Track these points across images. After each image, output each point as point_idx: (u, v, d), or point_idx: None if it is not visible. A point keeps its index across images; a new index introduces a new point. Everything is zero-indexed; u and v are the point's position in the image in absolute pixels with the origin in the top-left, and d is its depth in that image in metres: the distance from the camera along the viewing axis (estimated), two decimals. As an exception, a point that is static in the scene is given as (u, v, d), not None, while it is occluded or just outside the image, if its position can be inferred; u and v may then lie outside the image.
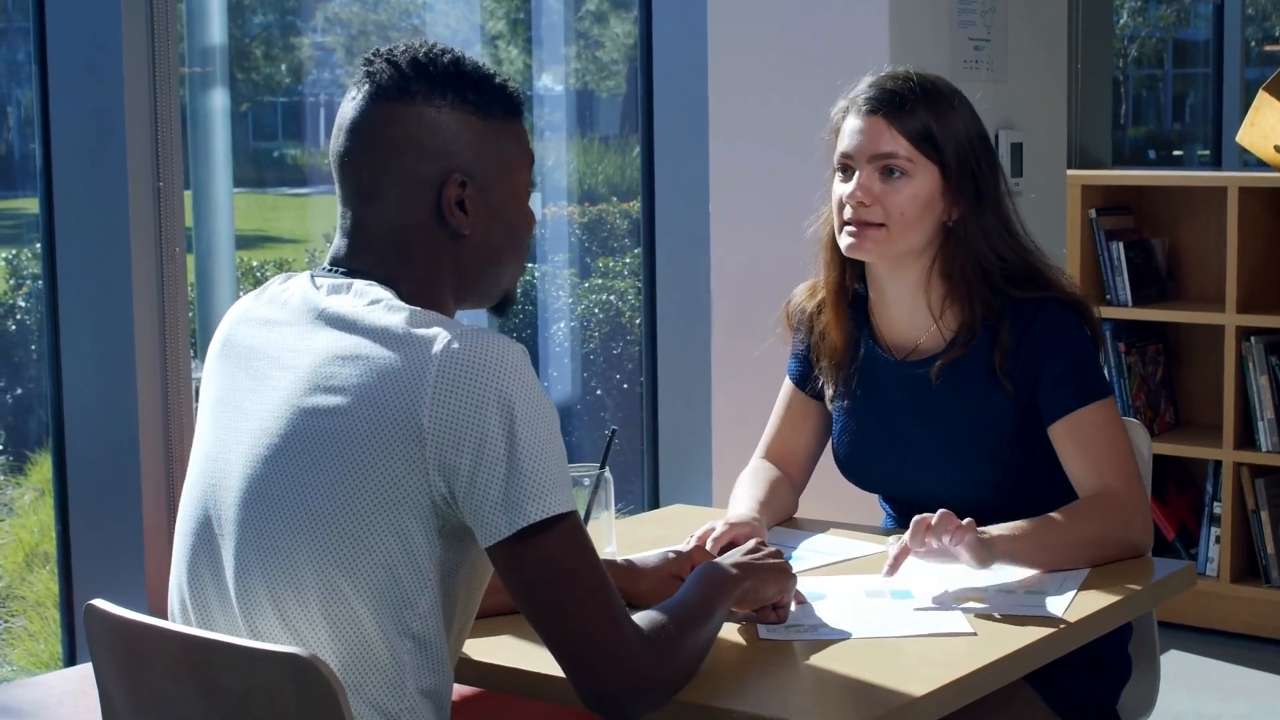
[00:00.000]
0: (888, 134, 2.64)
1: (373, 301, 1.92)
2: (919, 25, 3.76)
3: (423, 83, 1.97)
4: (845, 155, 2.68)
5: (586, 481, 2.49)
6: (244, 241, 5.33)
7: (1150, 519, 2.62)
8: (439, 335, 1.85)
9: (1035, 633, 2.22)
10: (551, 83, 6.62)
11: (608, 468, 2.51)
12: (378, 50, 2.00)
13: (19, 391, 4.35)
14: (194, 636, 1.86)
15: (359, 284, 1.95)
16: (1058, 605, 2.30)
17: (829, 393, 2.83)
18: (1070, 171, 5.16)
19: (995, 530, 2.45)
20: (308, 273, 2.02)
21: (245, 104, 5.94)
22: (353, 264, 1.99)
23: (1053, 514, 2.53)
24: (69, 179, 3.24)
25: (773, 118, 3.87)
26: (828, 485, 2.95)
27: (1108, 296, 5.09)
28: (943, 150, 2.64)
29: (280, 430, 1.90)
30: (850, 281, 2.81)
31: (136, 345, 3.19)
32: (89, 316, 3.26)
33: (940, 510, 2.39)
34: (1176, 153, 11.62)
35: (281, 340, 1.96)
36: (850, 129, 2.68)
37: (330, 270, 2.00)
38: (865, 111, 2.67)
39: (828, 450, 2.91)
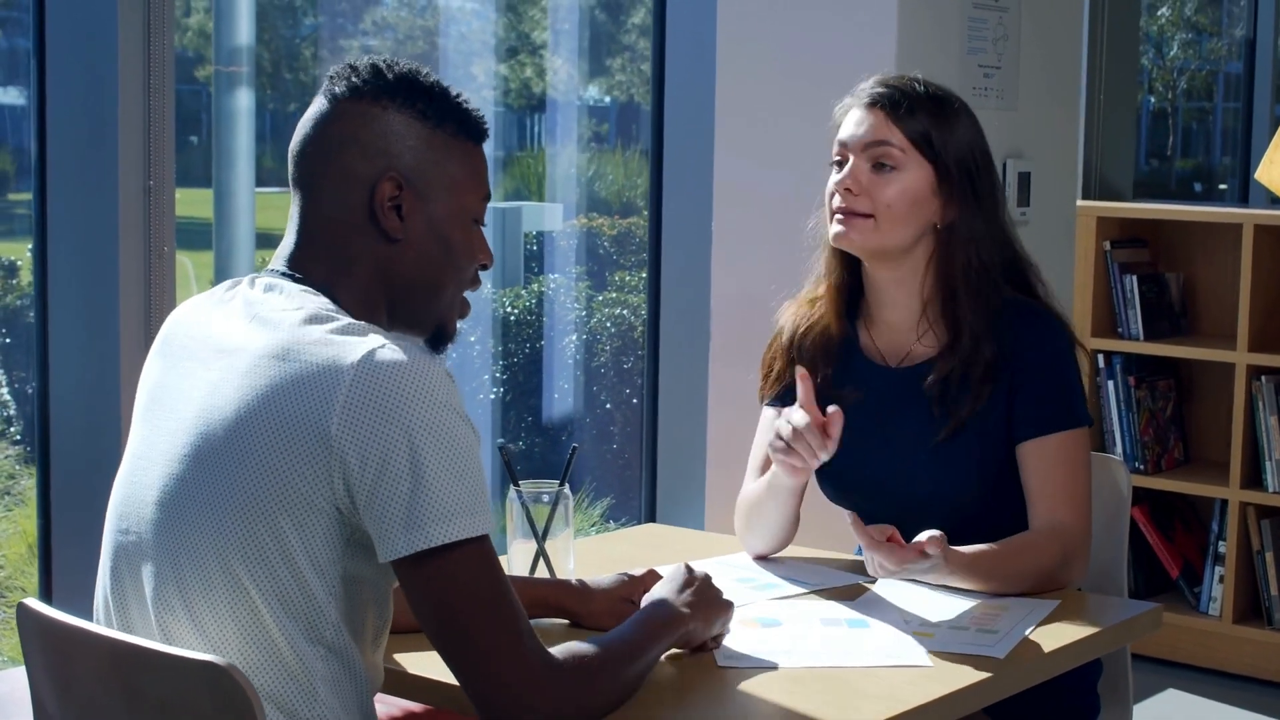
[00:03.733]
0: (885, 126, 2.64)
1: (301, 307, 1.91)
2: (927, 50, 3.74)
3: (374, 84, 1.98)
4: (841, 144, 2.68)
5: (546, 498, 2.46)
6: (268, 240, 5.35)
7: (1088, 559, 2.63)
8: (360, 346, 1.84)
9: (990, 668, 2.19)
10: (597, 94, 6.62)
11: (568, 484, 2.48)
12: (346, 61, 2.01)
13: (36, 383, 4.35)
14: (117, 641, 1.85)
15: (294, 288, 1.95)
16: (1004, 646, 2.26)
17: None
18: (1086, 203, 5.13)
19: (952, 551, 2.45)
20: (251, 275, 2.01)
21: (293, 104, 5.97)
22: (297, 262, 2.00)
23: (1004, 543, 2.53)
24: (62, 175, 3.24)
25: (777, 140, 3.84)
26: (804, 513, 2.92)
27: (1119, 329, 5.05)
28: (939, 152, 2.64)
29: (197, 430, 1.90)
30: (847, 281, 2.78)
31: (121, 343, 3.18)
32: (77, 313, 3.25)
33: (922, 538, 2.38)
34: (1222, 186, 11.57)
35: (211, 342, 1.96)
36: (849, 120, 2.69)
37: (273, 271, 2.00)
38: (866, 104, 2.67)
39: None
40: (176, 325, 2.05)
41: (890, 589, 2.52)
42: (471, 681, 1.85)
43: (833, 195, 2.67)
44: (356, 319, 1.93)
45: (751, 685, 2.11)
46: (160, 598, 1.91)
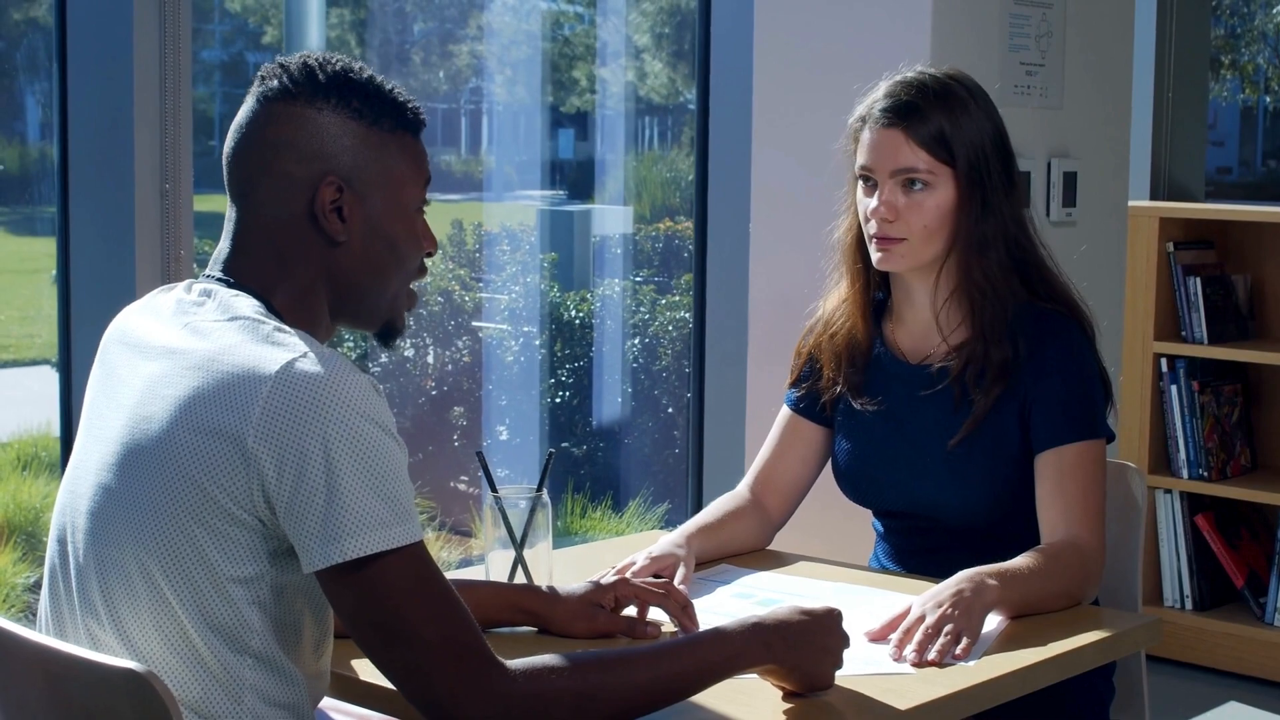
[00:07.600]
0: (906, 147, 2.62)
1: (232, 317, 1.88)
2: (965, 48, 3.66)
3: (307, 86, 1.94)
4: (866, 168, 2.66)
5: (522, 504, 2.42)
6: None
7: (1101, 578, 2.55)
8: (280, 357, 1.81)
9: (968, 679, 2.13)
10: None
11: (545, 490, 2.44)
12: (277, 59, 1.97)
13: (60, 385, 4.40)
14: (43, 646, 1.83)
15: (226, 294, 1.92)
16: (975, 653, 2.20)
17: (838, 391, 2.76)
18: (1150, 203, 5.03)
19: (991, 580, 2.35)
20: (188, 281, 1.99)
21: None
22: (233, 267, 1.96)
23: (1034, 562, 2.44)
24: (83, 178, 3.26)
25: (812, 140, 3.78)
26: (814, 520, 2.89)
27: (1183, 333, 4.92)
28: (954, 153, 2.61)
29: (124, 440, 1.88)
30: (873, 286, 2.77)
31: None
32: (96, 317, 3.26)
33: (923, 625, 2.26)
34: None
35: (142, 350, 1.94)
36: (868, 143, 2.66)
37: (208, 276, 1.97)
38: (882, 125, 2.64)
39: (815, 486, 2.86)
40: (111, 335, 2.03)
41: (844, 596, 2.46)
42: (406, 688, 1.81)
43: (868, 220, 2.66)
44: (293, 322, 1.90)
45: (724, 695, 2.04)
46: (88, 606, 1.89)
